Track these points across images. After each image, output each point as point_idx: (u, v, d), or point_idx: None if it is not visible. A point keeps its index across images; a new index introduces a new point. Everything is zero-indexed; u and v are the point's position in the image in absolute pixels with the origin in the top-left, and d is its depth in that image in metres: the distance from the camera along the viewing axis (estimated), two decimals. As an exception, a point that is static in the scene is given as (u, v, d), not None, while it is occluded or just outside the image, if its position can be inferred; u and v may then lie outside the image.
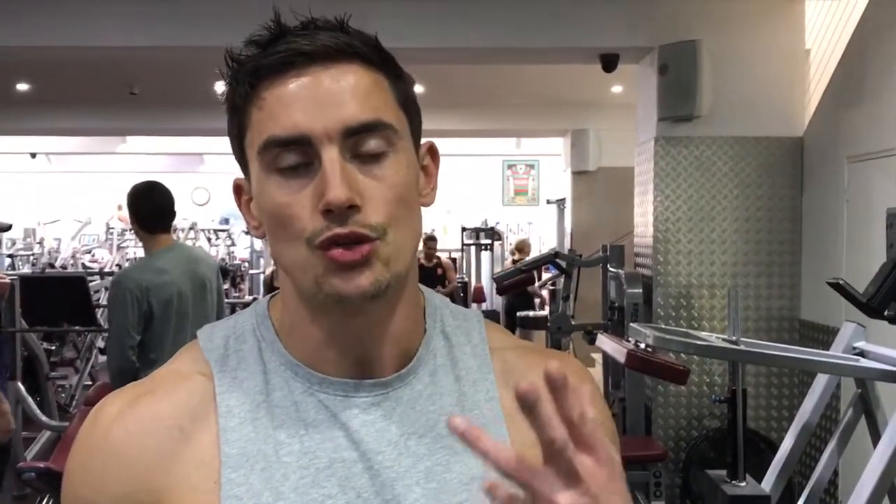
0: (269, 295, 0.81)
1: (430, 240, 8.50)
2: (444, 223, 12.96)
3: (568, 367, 0.80)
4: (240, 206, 0.76)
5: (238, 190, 0.76)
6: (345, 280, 0.67)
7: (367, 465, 0.70)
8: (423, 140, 0.78)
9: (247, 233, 11.53)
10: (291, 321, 0.75)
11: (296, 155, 0.67)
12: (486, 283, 8.96)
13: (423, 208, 0.75)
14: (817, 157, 4.07)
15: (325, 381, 0.72)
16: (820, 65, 4.12)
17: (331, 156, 0.66)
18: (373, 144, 0.68)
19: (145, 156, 11.64)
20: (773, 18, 4.16)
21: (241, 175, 0.76)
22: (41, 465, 3.62)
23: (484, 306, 9.15)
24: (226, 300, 3.92)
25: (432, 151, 0.79)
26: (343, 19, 0.71)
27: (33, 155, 11.02)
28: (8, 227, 3.69)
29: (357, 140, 0.68)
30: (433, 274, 8.08)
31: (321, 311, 0.72)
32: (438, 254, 8.79)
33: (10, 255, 11.83)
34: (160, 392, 0.74)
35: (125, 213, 3.40)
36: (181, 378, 0.75)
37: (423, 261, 7.94)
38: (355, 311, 0.70)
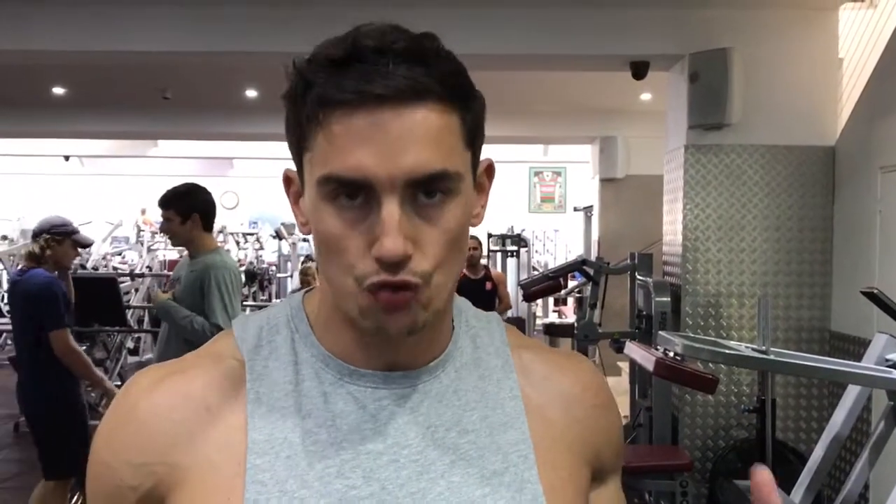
0: (305, 290, 0.82)
1: (471, 239, 7.49)
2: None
3: (581, 367, 0.84)
4: (288, 197, 0.76)
5: (288, 181, 0.75)
6: (387, 318, 0.69)
7: (393, 458, 0.71)
8: (483, 158, 0.77)
9: (275, 237, 11.61)
10: (326, 318, 0.76)
11: (356, 193, 0.67)
12: (512, 290, 8.95)
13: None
14: (849, 166, 4.03)
15: (356, 373, 0.74)
16: (853, 74, 4.09)
17: (391, 205, 0.66)
18: (434, 192, 0.67)
19: (176, 159, 11.77)
20: (806, 27, 4.13)
21: (291, 167, 0.75)
22: (73, 462, 3.66)
23: (509, 313, 9.14)
24: (253, 303, 4.05)
25: (490, 170, 0.78)
26: (422, 41, 0.68)
27: (67, 158, 11.18)
28: (90, 244, 3.88)
29: (419, 188, 0.67)
30: (481, 288, 6.09)
31: (360, 327, 0.72)
32: (485, 260, 7.18)
33: (42, 256, 11.97)
34: (192, 372, 0.75)
35: (150, 216, 3.51)
36: (214, 360, 0.76)
37: (466, 272, 5.95)
38: (391, 340, 0.72)
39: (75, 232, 3.72)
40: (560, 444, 0.78)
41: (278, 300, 9.14)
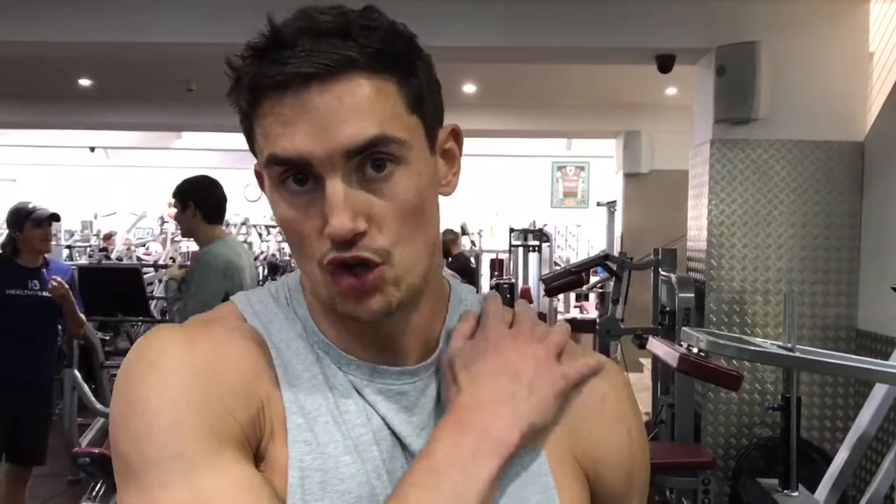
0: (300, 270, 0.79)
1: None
2: (492, 224, 12.93)
3: (602, 373, 0.79)
4: (264, 192, 0.74)
5: (260, 177, 0.74)
6: (356, 304, 0.67)
7: (404, 445, 0.72)
8: (447, 123, 0.74)
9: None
10: (321, 303, 0.74)
11: (301, 173, 0.66)
12: (534, 284, 8.91)
13: (446, 197, 0.74)
14: (879, 162, 3.97)
15: (353, 363, 0.73)
16: (884, 68, 4.02)
17: (334, 182, 0.65)
18: (381, 164, 0.66)
19: (199, 151, 11.84)
20: (836, 20, 4.06)
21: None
22: (96, 450, 3.70)
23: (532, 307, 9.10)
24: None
25: (455, 134, 0.75)
26: (347, 16, 0.66)
27: (92, 149, 11.27)
28: (46, 216, 3.74)
29: (361, 159, 0.65)
30: None
31: (341, 316, 0.71)
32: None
33: (67, 246, 12.13)
34: (210, 335, 0.71)
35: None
36: (231, 321, 0.73)
37: None
38: (372, 324, 0.71)
39: (30, 213, 3.69)
40: (557, 447, 0.75)
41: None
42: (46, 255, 3.88)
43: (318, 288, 0.69)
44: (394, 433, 0.72)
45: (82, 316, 3.96)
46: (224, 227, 3.57)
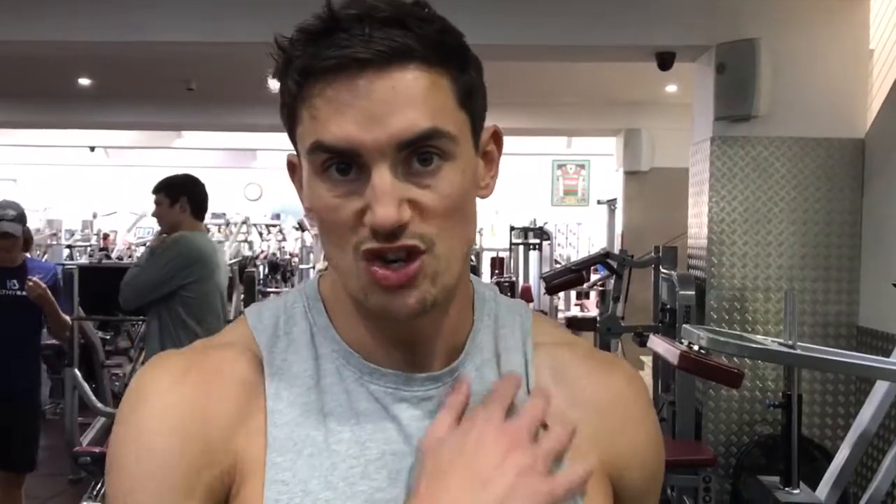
0: (318, 273, 0.78)
1: None
2: (492, 223, 12.93)
3: (618, 373, 0.78)
4: (294, 183, 0.73)
5: (292, 167, 0.72)
6: (390, 298, 0.65)
7: (417, 461, 0.68)
8: (488, 124, 0.73)
9: (297, 228, 11.65)
10: (343, 306, 0.73)
11: (345, 163, 0.65)
12: (534, 282, 8.91)
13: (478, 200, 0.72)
14: (879, 159, 3.96)
15: (377, 373, 0.71)
16: (884, 65, 4.01)
17: (381, 172, 0.63)
18: (429, 158, 0.64)
19: (199, 151, 11.84)
20: (836, 17, 4.06)
21: (294, 153, 0.72)
22: (96, 449, 3.71)
23: (531, 306, 9.12)
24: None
25: (496, 137, 0.74)
26: (404, 6, 0.65)
27: (92, 148, 11.27)
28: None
29: (410, 152, 0.64)
30: None
31: (369, 314, 0.70)
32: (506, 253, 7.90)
33: (68, 246, 12.14)
34: (207, 364, 0.71)
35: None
36: (230, 354, 0.72)
37: None
38: (402, 323, 0.69)
39: None
40: (578, 452, 0.72)
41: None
42: (27, 255, 3.83)
43: (349, 280, 0.67)
44: (413, 449, 0.69)
45: (66, 317, 3.86)
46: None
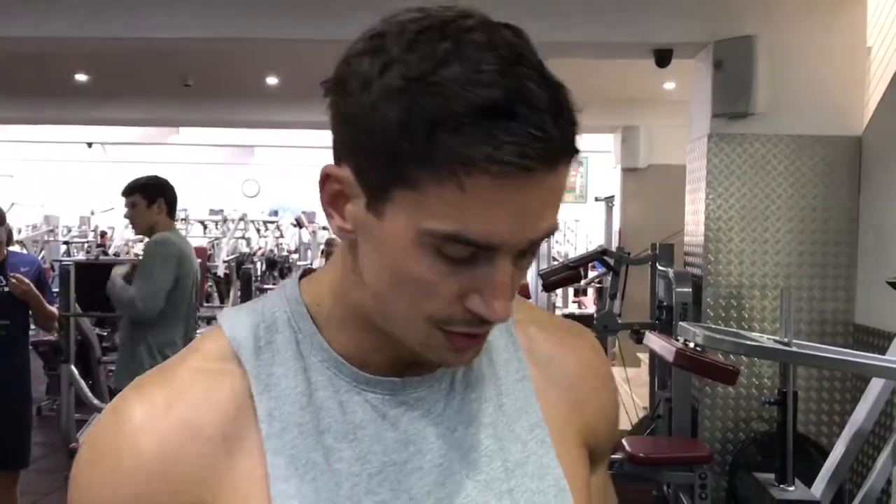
0: (297, 276, 0.74)
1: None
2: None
3: (584, 344, 0.81)
4: (323, 194, 0.65)
5: (328, 180, 0.64)
6: (454, 357, 0.66)
7: (417, 466, 0.68)
8: None
9: (295, 224, 11.65)
10: (342, 318, 0.70)
11: (467, 250, 0.60)
12: (532, 279, 8.93)
13: None
14: (877, 157, 3.97)
15: (372, 381, 0.69)
16: (881, 63, 4.02)
17: (505, 265, 0.60)
18: (535, 248, 0.63)
19: (197, 147, 11.84)
20: (833, 14, 4.06)
21: (330, 164, 0.64)
22: (92, 446, 3.69)
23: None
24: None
25: None
26: (556, 82, 0.60)
27: (89, 145, 11.27)
28: None
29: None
30: None
31: (383, 335, 0.68)
32: None
33: (65, 242, 12.13)
34: (191, 394, 0.67)
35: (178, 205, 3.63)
36: (213, 376, 0.68)
37: None
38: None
39: None
40: (566, 425, 0.76)
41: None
42: (10, 249, 3.82)
43: (407, 331, 0.65)
44: (412, 454, 0.69)
45: (53, 309, 3.86)
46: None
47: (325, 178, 0.64)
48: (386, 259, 0.62)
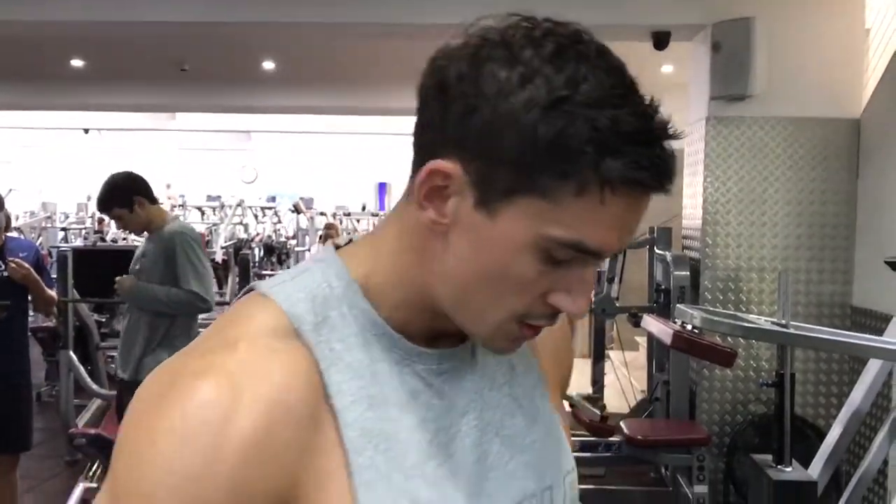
0: (334, 248, 0.75)
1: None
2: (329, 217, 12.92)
3: None
4: (425, 191, 0.66)
5: (433, 175, 0.66)
6: (509, 346, 0.73)
7: (458, 429, 0.74)
8: None
9: (293, 210, 11.64)
10: (400, 300, 0.72)
11: (574, 254, 0.66)
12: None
13: None
14: (875, 139, 3.96)
15: (422, 354, 0.73)
16: (880, 45, 4.00)
17: (592, 269, 0.68)
18: None
19: (194, 133, 11.80)
20: (832, -4, 4.04)
21: (444, 163, 0.65)
22: (92, 431, 3.72)
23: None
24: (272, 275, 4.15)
25: None
26: (659, 110, 0.68)
27: (86, 131, 11.23)
28: None
29: None
30: None
31: (438, 313, 0.72)
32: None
33: (62, 228, 12.12)
34: (270, 372, 0.65)
35: (174, 192, 3.56)
36: (285, 353, 0.67)
37: None
38: None
39: None
40: (551, 379, 0.86)
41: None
42: (8, 234, 3.82)
43: (482, 321, 0.69)
44: (454, 419, 0.74)
45: (52, 293, 3.85)
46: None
47: (431, 173, 0.66)
48: (483, 254, 0.66)
